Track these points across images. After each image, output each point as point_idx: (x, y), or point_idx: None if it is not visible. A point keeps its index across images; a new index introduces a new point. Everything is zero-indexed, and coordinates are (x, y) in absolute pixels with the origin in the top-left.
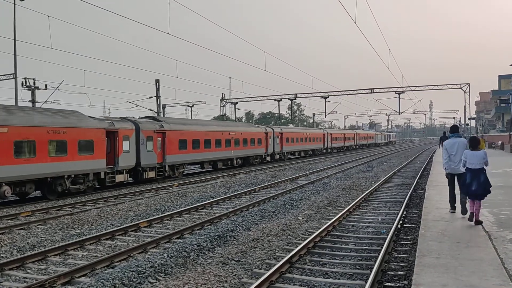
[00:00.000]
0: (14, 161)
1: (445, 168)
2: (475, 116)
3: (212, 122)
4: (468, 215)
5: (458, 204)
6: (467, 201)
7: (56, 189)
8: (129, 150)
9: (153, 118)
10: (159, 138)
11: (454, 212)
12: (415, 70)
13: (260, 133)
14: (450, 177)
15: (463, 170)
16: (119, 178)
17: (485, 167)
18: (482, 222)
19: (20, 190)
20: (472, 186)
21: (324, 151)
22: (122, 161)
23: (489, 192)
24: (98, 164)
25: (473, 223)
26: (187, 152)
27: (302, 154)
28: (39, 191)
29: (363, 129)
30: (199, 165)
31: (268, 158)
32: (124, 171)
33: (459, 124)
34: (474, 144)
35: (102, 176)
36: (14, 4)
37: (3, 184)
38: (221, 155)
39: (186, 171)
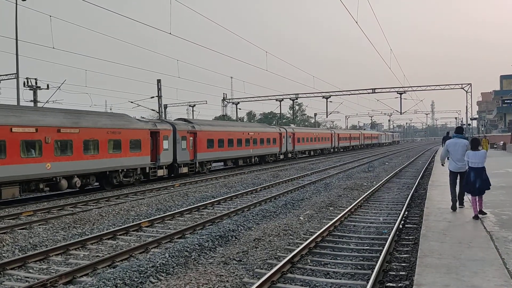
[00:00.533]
0: (83, 157)
1: (441, 160)
2: (477, 116)
3: (234, 123)
4: (465, 208)
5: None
6: (467, 198)
7: (112, 181)
8: (168, 148)
9: (185, 120)
10: (191, 138)
11: (455, 209)
12: (417, 69)
13: (275, 133)
14: (453, 176)
15: (464, 169)
16: (160, 172)
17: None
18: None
19: (86, 181)
20: (477, 183)
21: (331, 150)
22: (163, 158)
23: (489, 188)
24: (144, 160)
25: (479, 219)
26: (213, 151)
27: (312, 153)
28: (98, 183)
29: (364, 129)
30: (222, 163)
31: (282, 156)
32: (164, 167)
33: (461, 124)
34: (475, 145)
35: (147, 170)
36: (16, 4)
37: (75, 176)
38: (241, 154)
39: (212, 168)
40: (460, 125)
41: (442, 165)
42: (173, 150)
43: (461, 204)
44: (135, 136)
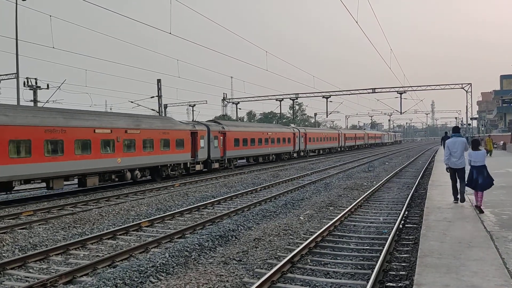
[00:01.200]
0: (142, 153)
1: (446, 164)
2: (477, 116)
3: (255, 124)
4: (464, 202)
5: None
6: (468, 199)
7: (161, 174)
8: (204, 146)
9: (216, 122)
10: (221, 137)
11: (457, 202)
12: (416, 68)
13: (289, 133)
14: (452, 171)
15: (462, 166)
16: (198, 167)
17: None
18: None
19: (142, 174)
20: (479, 180)
21: (338, 149)
22: (200, 154)
23: (493, 184)
24: (186, 156)
25: (478, 211)
26: (239, 149)
27: (321, 151)
28: (150, 176)
29: (365, 129)
30: (245, 160)
31: (295, 155)
32: (200, 162)
33: (461, 124)
34: (476, 145)
35: (188, 165)
36: (16, 3)
37: (137, 169)
38: (261, 152)
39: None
40: (460, 124)
41: (447, 165)
42: (207, 148)
43: (462, 200)
44: (179, 136)
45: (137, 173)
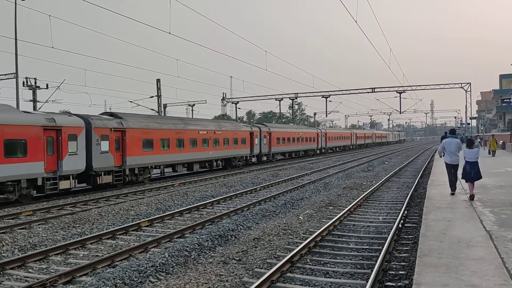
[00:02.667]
0: (223, 148)
1: (445, 161)
2: (477, 115)
3: (289, 126)
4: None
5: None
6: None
7: (231, 164)
8: (257, 143)
9: (262, 124)
10: (268, 136)
11: (454, 194)
12: (416, 68)
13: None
14: (449, 167)
15: (457, 162)
16: (253, 160)
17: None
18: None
19: (221, 163)
20: (471, 174)
21: (351, 147)
22: (255, 150)
23: (481, 177)
24: (247, 151)
25: (470, 199)
26: (280, 146)
27: (337, 149)
28: (224, 165)
29: (364, 128)
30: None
31: (254, 160)
32: (255, 156)
33: (461, 123)
34: (470, 144)
35: (248, 158)
36: (15, 3)
37: (220, 159)
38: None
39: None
40: (459, 124)
41: (440, 156)
42: (260, 145)
43: (454, 192)
44: (243, 135)
45: (219, 163)
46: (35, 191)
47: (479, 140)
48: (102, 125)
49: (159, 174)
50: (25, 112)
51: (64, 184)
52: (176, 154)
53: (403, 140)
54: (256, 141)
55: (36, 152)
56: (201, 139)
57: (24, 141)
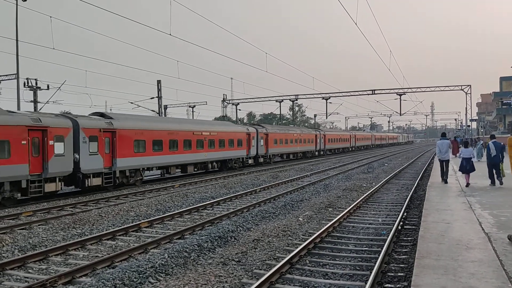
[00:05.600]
0: (218, 150)
1: (438, 158)
2: (477, 117)
3: (286, 127)
4: (452, 182)
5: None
6: (465, 178)
7: (227, 165)
8: (254, 145)
9: (260, 125)
10: (265, 138)
11: (446, 183)
12: (416, 72)
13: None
14: (440, 162)
15: (447, 158)
16: (250, 161)
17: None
18: (469, 184)
19: (218, 164)
20: (467, 167)
21: (371, 146)
22: (252, 151)
23: (475, 170)
24: (244, 153)
25: (466, 187)
26: (277, 147)
27: (292, 156)
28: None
29: (364, 130)
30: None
31: (250, 161)
32: (251, 157)
33: (461, 126)
34: (466, 144)
35: (244, 159)
36: (17, 4)
37: (214, 161)
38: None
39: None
40: (459, 126)
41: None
42: (256, 146)
43: (446, 181)
44: (240, 137)
45: (215, 164)
46: (19, 194)
47: (481, 142)
48: (90, 125)
49: (159, 175)
50: (9, 111)
51: (50, 187)
52: (169, 155)
53: (411, 141)
54: (253, 142)
55: (20, 153)
56: (196, 140)
57: (7, 142)
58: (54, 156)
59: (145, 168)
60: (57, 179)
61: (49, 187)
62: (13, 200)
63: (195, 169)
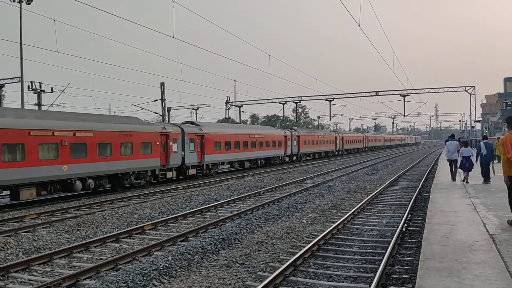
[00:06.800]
0: (245, 150)
1: (447, 158)
2: (481, 118)
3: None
4: (458, 180)
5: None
6: (459, 174)
7: (257, 163)
8: (289, 145)
9: (292, 128)
10: (297, 139)
11: (454, 181)
12: (420, 72)
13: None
14: (449, 162)
15: (455, 158)
16: (287, 159)
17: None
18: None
19: (253, 164)
20: (467, 165)
21: (382, 147)
22: (288, 151)
23: (473, 167)
24: (281, 152)
25: (465, 182)
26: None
27: (316, 155)
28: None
29: (368, 132)
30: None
31: (287, 159)
32: (288, 156)
33: (465, 127)
34: (465, 144)
35: (283, 158)
36: (20, 8)
37: (244, 161)
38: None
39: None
40: (463, 127)
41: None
42: (291, 146)
43: (454, 179)
44: (279, 138)
45: (262, 161)
46: (152, 178)
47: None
48: (190, 131)
49: (229, 167)
50: (147, 122)
51: (169, 175)
52: (235, 153)
53: (419, 143)
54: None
55: (156, 151)
56: (251, 141)
57: (150, 143)
58: (172, 153)
59: (220, 163)
60: (173, 169)
61: (169, 175)
62: (150, 183)
63: (249, 164)
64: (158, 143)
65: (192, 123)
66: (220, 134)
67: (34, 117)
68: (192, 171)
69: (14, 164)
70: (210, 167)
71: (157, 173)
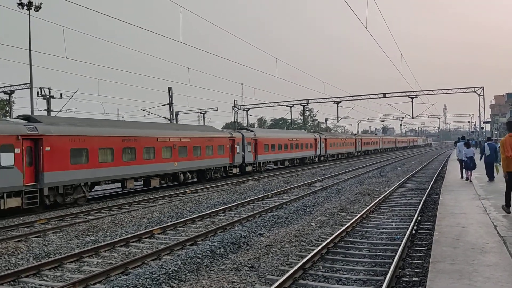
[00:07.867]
0: (290, 151)
1: (457, 158)
2: (490, 119)
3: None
4: (464, 178)
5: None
6: (464, 173)
7: (304, 162)
8: (318, 147)
9: (319, 132)
10: (324, 142)
11: (463, 179)
12: (427, 73)
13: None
14: (460, 161)
15: (465, 158)
16: (319, 158)
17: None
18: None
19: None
20: (470, 164)
21: (395, 148)
22: (317, 151)
23: (476, 167)
24: (312, 153)
25: (468, 181)
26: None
27: (287, 163)
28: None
29: (376, 134)
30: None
31: (235, 170)
32: (318, 157)
33: (474, 128)
34: (468, 145)
35: (314, 158)
36: (29, 15)
37: (271, 161)
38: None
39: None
40: (472, 128)
41: (457, 159)
42: (320, 148)
43: (462, 176)
44: (219, 142)
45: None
46: (223, 173)
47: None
48: (248, 136)
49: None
50: (220, 130)
51: (234, 171)
52: (278, 154)
53: (430, 144)
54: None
55: (226, 152)
56: (290, 144)
57: (222, 146)
58: (237, 154)
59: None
60: (236, 166)
61: (234, 171)
62: (221, 178)
63: (288, 164)
64: (228, 146)
65: (247, 129)
66: (268, 138)
67: (159, 128)
68: (249, 168)
69: (148, 161)
70: (261, 164)
71: (227, 169)
